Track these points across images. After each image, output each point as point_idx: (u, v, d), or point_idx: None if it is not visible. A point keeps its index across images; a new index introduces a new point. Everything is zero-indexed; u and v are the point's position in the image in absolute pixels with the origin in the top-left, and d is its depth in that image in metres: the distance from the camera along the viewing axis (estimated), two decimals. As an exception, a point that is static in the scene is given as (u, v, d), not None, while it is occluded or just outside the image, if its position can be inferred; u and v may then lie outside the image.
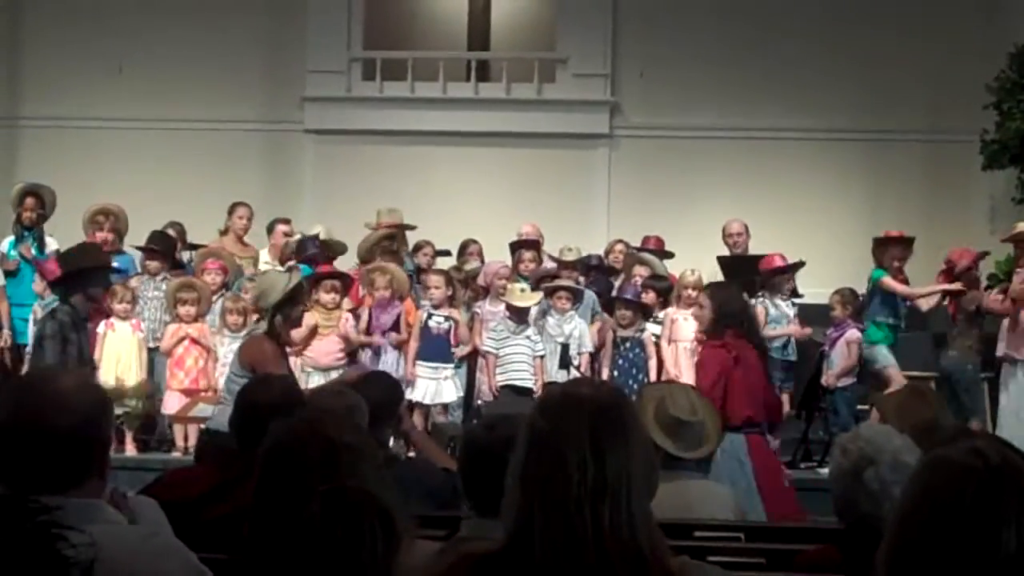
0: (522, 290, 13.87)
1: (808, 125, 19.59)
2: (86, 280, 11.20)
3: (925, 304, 14.08)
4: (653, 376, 13.60)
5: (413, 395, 13.37)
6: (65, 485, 3.35)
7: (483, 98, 20.59)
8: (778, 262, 14.11)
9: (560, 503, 2.88)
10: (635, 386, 13.20)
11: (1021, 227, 14.17)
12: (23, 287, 14.25)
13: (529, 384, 13.47)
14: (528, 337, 13.65)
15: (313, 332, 13.40)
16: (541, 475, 2.92)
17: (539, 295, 13.89)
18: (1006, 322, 13.48)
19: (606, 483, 2.89)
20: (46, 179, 15.33)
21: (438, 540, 4.31)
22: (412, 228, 15.43)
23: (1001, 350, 13.42)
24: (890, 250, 13.97)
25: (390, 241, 14.76)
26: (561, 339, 13.73)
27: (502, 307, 13.88)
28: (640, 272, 14.75)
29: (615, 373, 13.80)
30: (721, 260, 15.26)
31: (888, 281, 13.72)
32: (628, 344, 13.84)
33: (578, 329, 13.81)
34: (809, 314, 14.63)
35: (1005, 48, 17.81)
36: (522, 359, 13.66)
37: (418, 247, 15.57)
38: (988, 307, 13.76)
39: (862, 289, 14.17)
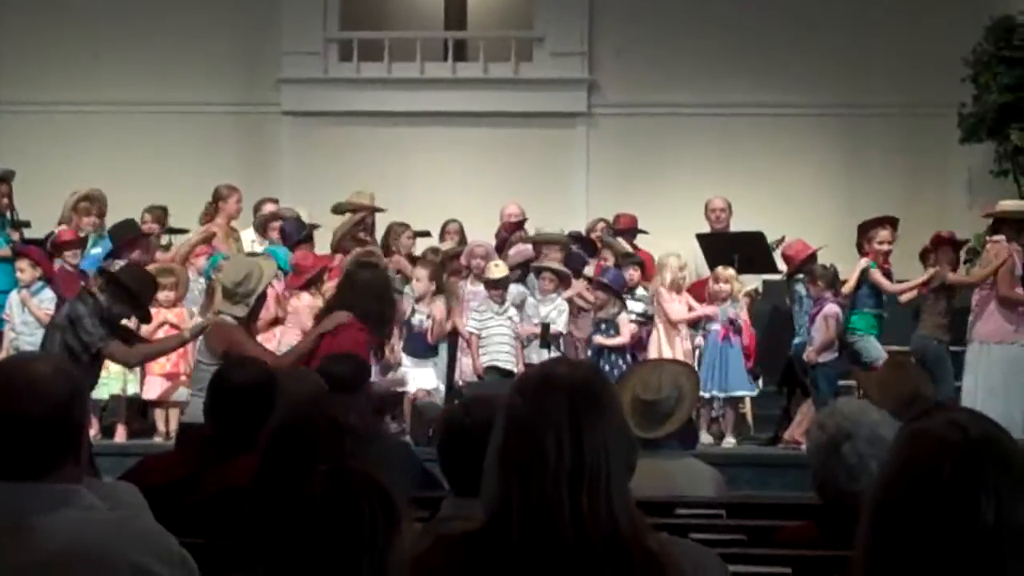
0: (496, 265, 13.92)
1: (786, 101, 19.60)
2: (131, 301, 10.83)
3: (906, 298, 14.09)
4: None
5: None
6: (40, 471, 3.34)
7: (460, 78, 20.57)
8: (806, 249, 14.08)
9: (538, 483, 2.87)
10: (609, 368, 13.28)
11: (1005, 204, 14.20)
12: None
13: (511, 367, 13.52)
14: (510, 318, 13.69)
15: (274, 323, 13.37)
16: (519, 455, 2.92)
17: (506, 268, 13.94)
18: (975, 300, 13.53)
19: (584, 463, 2.88)
20: (21, 164, 15.28)
21: (420, 520, 4.32)
22: (381, 211, 15.37)
23: (970, 329, 13.52)
24: (879, 233, 13.95)
25: (359, 227, 14.75)
26: (538, 320, 13.78)
27: (482, 287, 13.92)
28: (607, 256, 14.83)
29: (588, 352, 13.87)
30: (701, 237, 15.29)
31: (878, 278, 13.73)
32: (604, 326, 13.87)
33: (556, 310, 13.86)
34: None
35: (981, 21, 17.83)
36: (504, 340, 13.71)
37: (397, 231, 15.47)
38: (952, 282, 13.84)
39: (840, 262, 14.18)
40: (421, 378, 13.69)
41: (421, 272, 13.94)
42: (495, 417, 4.68)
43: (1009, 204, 14.27)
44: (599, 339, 13.80)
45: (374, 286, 10.17)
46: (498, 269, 13.84)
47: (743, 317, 13.96)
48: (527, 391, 3.01)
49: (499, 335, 13.73)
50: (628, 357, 13.72)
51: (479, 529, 2.96)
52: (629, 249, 15.03)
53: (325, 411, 3.17)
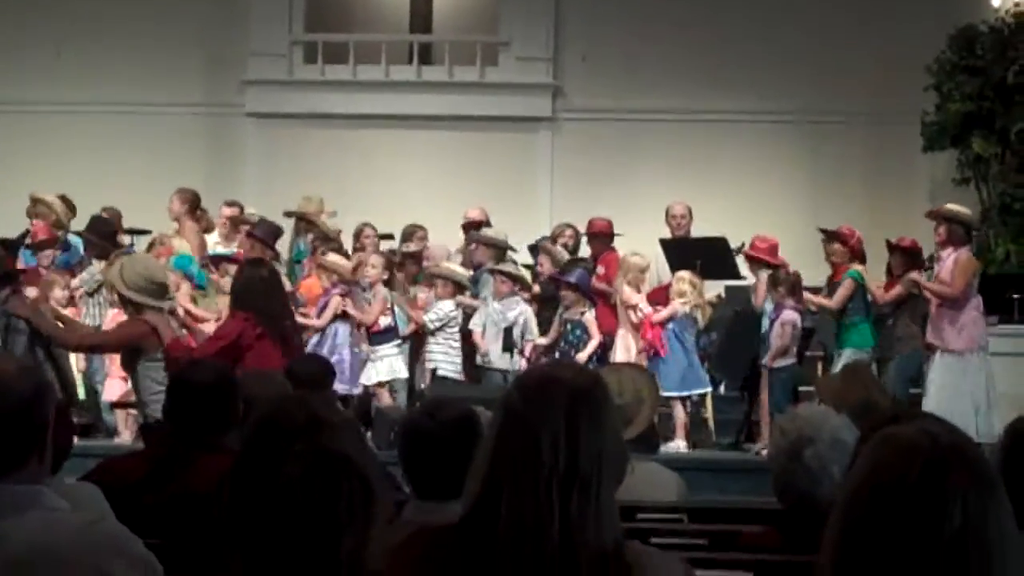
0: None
1: (750, 107, 19.64)
2: None
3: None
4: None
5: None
6: (3, 469, 3.33)
7: (425, 81, 20.57)
8: (774, 254, 14.20)
9: (530, 484, 2.88)
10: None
11: (949, 206, 14.26)
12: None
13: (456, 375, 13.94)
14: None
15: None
16: (512, 454, 2.92)
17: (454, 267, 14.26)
18: (933, 309, 13.59)
19: (578, 469, 2.89)
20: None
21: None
22: (332, 214, 15.50)
23: (928, 337, 13.57)
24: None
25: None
26: (504, 324, 13.83)
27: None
28: (543, 262, 14.92)
29: (556, 355, 13.88)
30: (664, 243, 15.33)
31: (873, 288, 13.86)
32: (570, 326, 13.91)
33: (523, 316, 13.92)
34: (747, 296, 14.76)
35: (945, 30, 17.92)
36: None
37: (359, 231, 15.56)
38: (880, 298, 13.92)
39: (804, 269, 14.25)
40: (385, 368, 13.76)
41: (376, 260, 14.03)
42: (453, 418, 4.73)
43: (954, 206, 14.31)
44: (579, 357, 13.81)
45: (254, 283, 10.30)
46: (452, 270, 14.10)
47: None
48: (527, 390, 3.02)
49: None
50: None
51: (459, 523, 2.97)
52: (567, 257, 15.01)
53: (304, 405, 3.16)
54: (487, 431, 3.03)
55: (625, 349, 13.93)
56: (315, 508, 3.02)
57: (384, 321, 13.86)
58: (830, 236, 14.28)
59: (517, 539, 2.86)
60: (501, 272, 14.17)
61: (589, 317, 13.90)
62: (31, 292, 12.80)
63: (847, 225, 14.51)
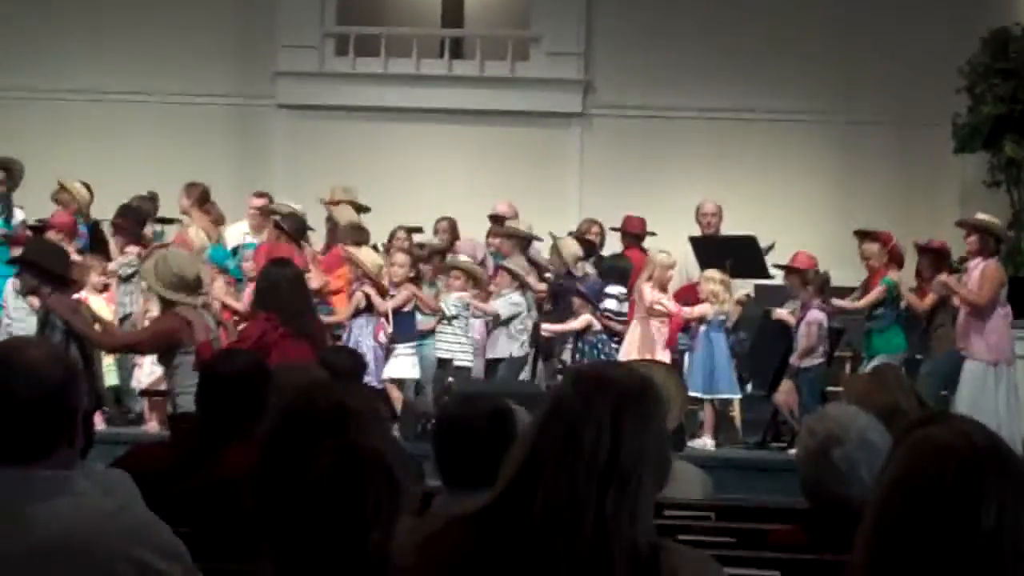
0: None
1: (782, 107, 19.59)
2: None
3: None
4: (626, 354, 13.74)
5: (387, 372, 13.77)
6: (33, 455, 3.33)
7: (456, 75, 20.55)
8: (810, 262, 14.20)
9: (567, 474, 2.89)
10: (589, 349, 13.59)
11: (980, 216, 14.20)
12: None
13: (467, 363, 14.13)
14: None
15: None
16: (555, 444, 2.93)
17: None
18: (961, 315, 13.55)
19: (617, 467, 2.90)
20: (14, 151, 15.30)
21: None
22: (367, 210, 15.48)
23: (957, 342, 13.53)
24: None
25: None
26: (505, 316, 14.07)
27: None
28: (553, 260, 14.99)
29: (577, 358, 14.00)
30: (693, 240, 15.31)
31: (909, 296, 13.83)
32: (587, 347, 14.06)
33: (519, 308, 14.10)
34: (780, 295, 14.73)
35: (977, 32, 17.84)
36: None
37: (392, 233, 15.58)
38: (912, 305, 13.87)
39: (833, 270, 14.22)
40: (402, 366, 13.80)
41: (402, 258, 14.06)
42: (488, 411, 4.73)
43: (985, 216, 14.26)
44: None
45: (278, 283, 10.31)
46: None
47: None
48: (578, 383, 3.03)
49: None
50: (611, 346, 13.93)
51: (488, 504, 2.97)
52: (580, 253, 15.02)
53: (330, 394, 3.16)
54: (532, 420, 3.04)
55: (639, 339, 13.94)
56: (342, 501, 3.03)
57: (403, 319, 13.90)
58: (866, 236, 14.23)
59: (550, 528, 2.86)
60: (504, 268, 14.29)
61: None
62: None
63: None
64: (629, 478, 2.89)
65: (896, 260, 14.17)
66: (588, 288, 14.22)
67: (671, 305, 13.99)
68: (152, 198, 15.62)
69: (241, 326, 12.77)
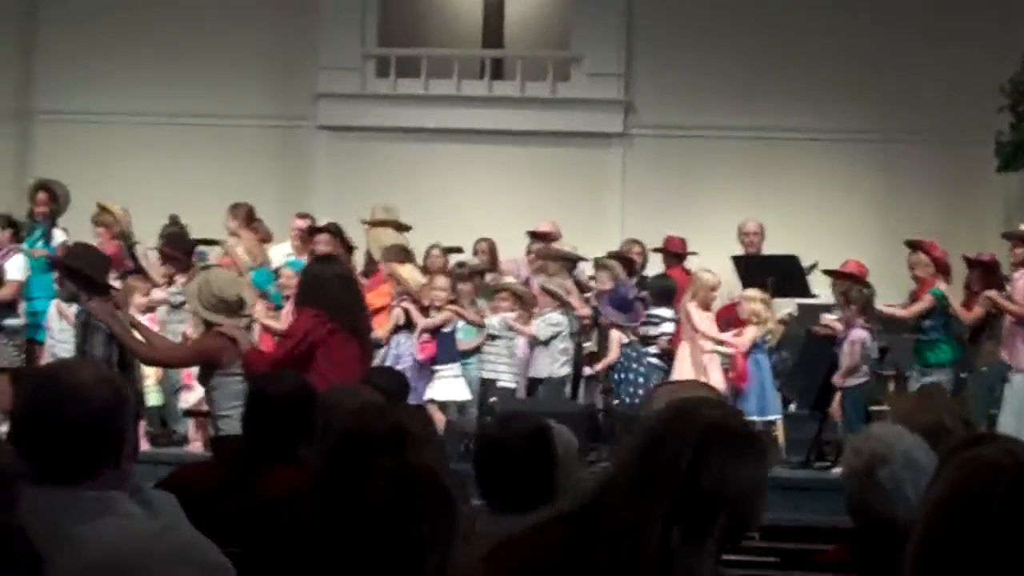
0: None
1: (822, 126, 19.57)
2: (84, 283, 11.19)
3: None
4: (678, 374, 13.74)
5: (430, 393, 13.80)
6: (79, 476, 3.36)
7: (497, 96, 20.60)
8: (860, 269, 14.14)
9: (639, 501, 2.89)
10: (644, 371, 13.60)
11: None
12: (33, 282, 14.23)
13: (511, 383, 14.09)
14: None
15: None
16: (633, 468, 2.95)
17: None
18: (1007, 327, 13.49)
19: (692, 500, 2.90)
20: (60, 174, 15.39)
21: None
22: (407, 228, 15.49)
23: (1002, 355, 13.47)
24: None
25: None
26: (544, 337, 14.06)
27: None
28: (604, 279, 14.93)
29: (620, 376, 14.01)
30: (736, 259, 15.27)
31: (959, 309, 13.79)
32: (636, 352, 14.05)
33: (559, 329, 14.08)
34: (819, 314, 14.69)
35: (1019, 49, 17.79)
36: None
37: (427, 251, 15.59)
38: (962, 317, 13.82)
39: (876, 289, 14.18)
40: (450, 388, 13.81)
41: (443, 281, 14.08)
42: (528, 431, 4.73)
43: None
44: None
45: (324, 278, 10.32)
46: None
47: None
48: (668, 413, 3.05)
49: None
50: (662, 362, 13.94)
51: (560, 517, 2.98)
52: (623, 276, 15.00)
53: (387, 416, 3.17)
54: (625, 441, 3.04)
55: (689, 362, 13.90)
56: (398, 524, 3.02)
57: (445, 339, 13.91)
58: (914, 246, 14.21)
59: (612, 550, 2.86)
60: (544, 288, 14.28)
61: (615, 334, 14.11)
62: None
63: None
64: (703, 513, 2.88)
65: (943, 271, 14.12)
66: (620, 296, 14.15)
67: (727, 338, 13.92)
68: (175, 221, 15.66)
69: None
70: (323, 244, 14.06)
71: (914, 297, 14.08)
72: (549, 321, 14.14)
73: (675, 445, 2.93)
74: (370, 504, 3.02)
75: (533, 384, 14.29)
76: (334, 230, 14.33)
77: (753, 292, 14.03)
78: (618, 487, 2.93)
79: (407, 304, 13.81)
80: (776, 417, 13.95)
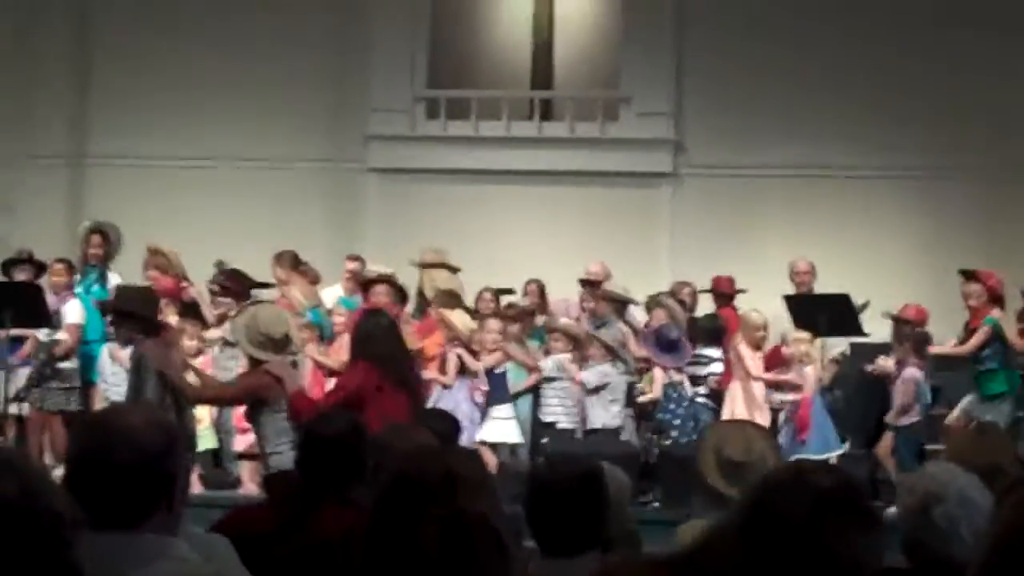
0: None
1: (873, 163, 19.50)
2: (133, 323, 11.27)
3: None
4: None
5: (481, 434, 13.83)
6: (133, 520, 3.36)
7: (546, 137, 20.61)
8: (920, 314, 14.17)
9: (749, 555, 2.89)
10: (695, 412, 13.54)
11: None
12: (87, 325, 14.33)
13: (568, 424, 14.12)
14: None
15: None
16: (750, 522, 2.94)
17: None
18: None
19: (801, 563, 2.90)
20: (112, 216, 15.52)
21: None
22: (457, 270, 15.54)
23: None
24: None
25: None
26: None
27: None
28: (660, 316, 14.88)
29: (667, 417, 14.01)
30: (788, 299, 15.24)
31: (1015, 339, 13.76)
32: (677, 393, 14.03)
33: (608, 379, 14.02)
34: (876, 353, 14.63)
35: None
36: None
37: (478, 295, 15.61)
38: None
39: (928, 328, 14.12)
40: (502, 430, 13.82)
41: (495, 324, 14.12)
42: (579, 473, 4.71)
43: None
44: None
45: (373, 331, 10.40)
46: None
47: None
48: (774, 482, 3.07)
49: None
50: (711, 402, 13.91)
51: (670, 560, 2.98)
52: (681, 315, 14.98)
53: (440, 461, 3.16)
54: (732, 508, 3.04)
55: (741, 402, 13.87)
56: (451, 570, 3.01)
57: (497, 380, 13.94)
58: (968, 275, 14.17)
59: None
60: (596, 339, 14.26)
61: (658, 373, 14.12)
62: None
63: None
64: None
65: (997, 300, 14.07)
66: (664, 336, 14.16)
67: (794, 381, 13.88)
68: (221, 268, 15.70)
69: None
70: (381, 295, 14.09)
71: (968, 326, 14.02)
72: (600, 371, 14.12)
73: (788, 506, 2.91)
74: (423, 552, 3.02)
75: (589, 435, 14.25)
76: (391, 281, 14.38)
77: (800, 334, 14.02)
78: (727, 536, 2.92)
79: (459, 350, 13.86)
80: (840, 452, 13.88)
